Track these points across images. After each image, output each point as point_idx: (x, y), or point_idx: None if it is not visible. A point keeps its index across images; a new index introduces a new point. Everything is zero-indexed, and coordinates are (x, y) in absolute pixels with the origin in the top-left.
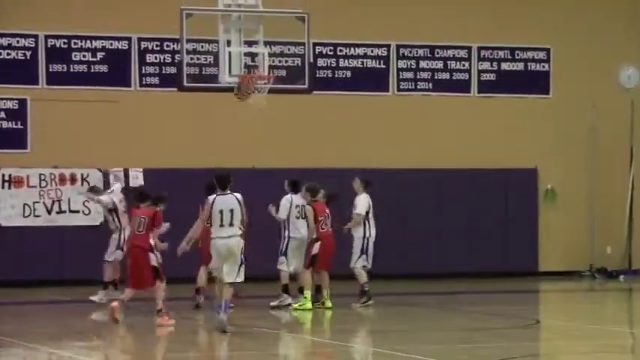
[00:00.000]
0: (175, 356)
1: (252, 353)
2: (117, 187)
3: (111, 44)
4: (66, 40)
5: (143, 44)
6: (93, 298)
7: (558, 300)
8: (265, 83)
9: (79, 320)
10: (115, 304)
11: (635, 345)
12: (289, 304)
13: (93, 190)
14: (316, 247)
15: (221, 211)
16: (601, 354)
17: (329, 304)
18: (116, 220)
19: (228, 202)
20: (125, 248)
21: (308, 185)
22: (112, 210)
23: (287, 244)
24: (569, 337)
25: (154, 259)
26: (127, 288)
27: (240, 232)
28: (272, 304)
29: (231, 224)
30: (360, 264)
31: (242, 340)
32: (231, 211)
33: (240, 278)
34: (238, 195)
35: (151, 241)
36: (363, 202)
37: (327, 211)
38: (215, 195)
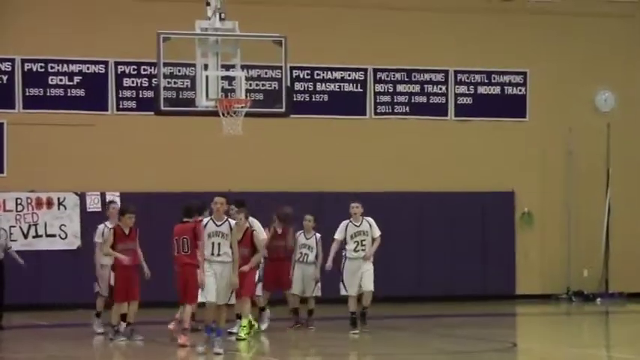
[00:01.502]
0: None
1: None
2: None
3: (88, 68)
4: (42, 64)
5: (120, 68)
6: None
7: (535, 323)
8: (242, 107)
9: (56, 345)
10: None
11: None
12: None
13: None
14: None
15: None
16: None
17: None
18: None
19: None
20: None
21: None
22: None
23: None
24: None
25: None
26: (187, 305)
27: None
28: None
29: None
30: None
31: None
32: None
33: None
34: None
35: (199, 258)
36: (375, 224)
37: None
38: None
